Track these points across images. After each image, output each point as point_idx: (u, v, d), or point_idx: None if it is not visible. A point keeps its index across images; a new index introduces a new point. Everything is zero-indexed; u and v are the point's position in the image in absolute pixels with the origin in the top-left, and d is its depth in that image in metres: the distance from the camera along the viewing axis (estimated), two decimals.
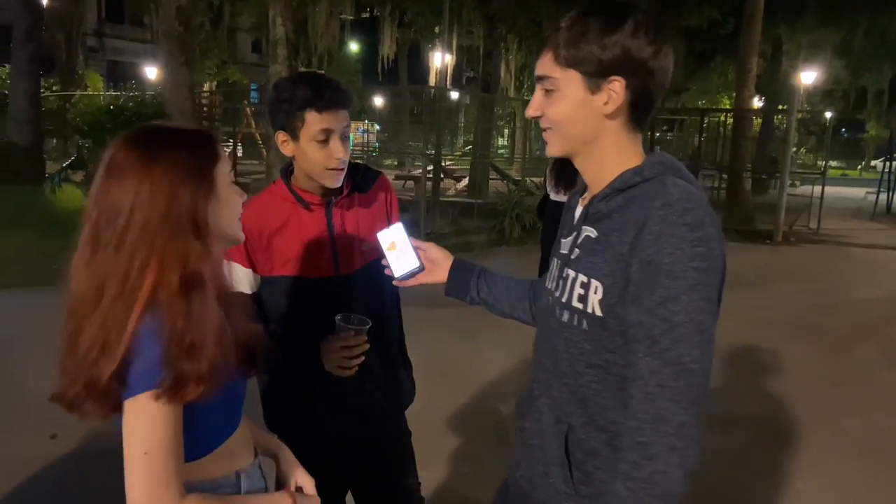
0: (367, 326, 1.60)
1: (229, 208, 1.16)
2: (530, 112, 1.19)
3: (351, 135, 1.73)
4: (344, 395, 1.75)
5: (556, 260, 1.28)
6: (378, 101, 25.60)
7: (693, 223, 1.02)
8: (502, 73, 21.34)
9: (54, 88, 18.45)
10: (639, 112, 1.15)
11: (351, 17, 24.70)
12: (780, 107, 18.70)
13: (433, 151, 10.62)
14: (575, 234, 1.21)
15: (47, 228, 7.68)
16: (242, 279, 1.64)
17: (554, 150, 1.20)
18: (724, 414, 4.13)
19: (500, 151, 24.47)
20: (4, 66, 17.69)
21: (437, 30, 20.77)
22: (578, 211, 1.25)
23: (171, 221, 1.06)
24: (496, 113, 18.78)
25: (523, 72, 25.14)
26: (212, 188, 1.11)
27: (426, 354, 4.20)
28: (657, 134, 19.18)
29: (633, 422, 1.05)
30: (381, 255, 1.51)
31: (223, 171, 1.15)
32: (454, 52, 23.71)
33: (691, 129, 17.25)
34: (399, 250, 1.50)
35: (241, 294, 1.61)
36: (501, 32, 16.93)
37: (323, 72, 24.70)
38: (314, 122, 1.59)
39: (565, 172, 6.36)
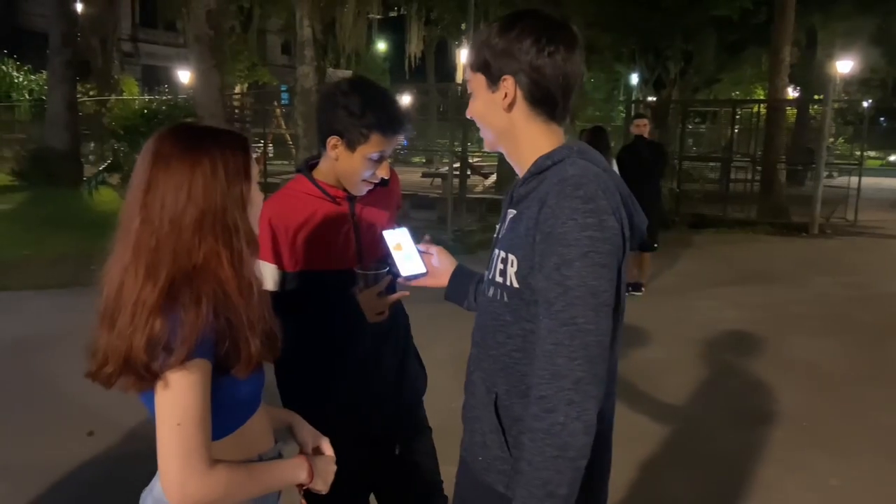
0: (386, 270, 1.68)
1: (255, 205, 1.23)
2: (468, 114, 1.35)
3: None
4: (363, 388, 1.79)
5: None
6: (405, 99, 25.69)
7: (586, 196, 1.12)
8: None
9: (91, 93, 18.88)
10: (542, 105, 1.27)
11: (378, 17, 24.80)
12: (815, 97, 18.27)
13: (460, 148, 10.62)
14: (503, 217, 1.34)
15: (85, 230, 7.89)
16: (267, 275, 1.69)
17: (486, 145, 1.37)
18: (756, 408, 4.09)
19: None
20: (42, 73, 18.15)
21: (463, 26, 20.75)
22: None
23: (226, 214, 1.14)
24: None
25: None
26: (251, 185, 1.19)
27: (453, 351, 4.24)
28: (689, 126, 18.89)
29: (535, 378, 1.13)
30: (387, 253, 1.58)
31: (256, 170, 1.22)
32: None
33: (724, 120, 16.96)
34: (405, 252, 1.57)
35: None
36: None
37: (351, 71, 24.88)
38: (378, 143, 1.68)
39: None
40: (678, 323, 5.89)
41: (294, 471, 1.29)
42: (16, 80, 20.18)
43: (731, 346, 5.26)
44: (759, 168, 13.06)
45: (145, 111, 14.77)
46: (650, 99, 20.02)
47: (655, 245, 6.84)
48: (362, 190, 1.76)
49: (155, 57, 30.19)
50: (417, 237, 1.60)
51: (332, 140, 1.69)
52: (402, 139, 1.73)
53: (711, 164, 15.93)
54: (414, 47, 25.70)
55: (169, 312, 1.08)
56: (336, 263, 1.74)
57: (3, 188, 13.86)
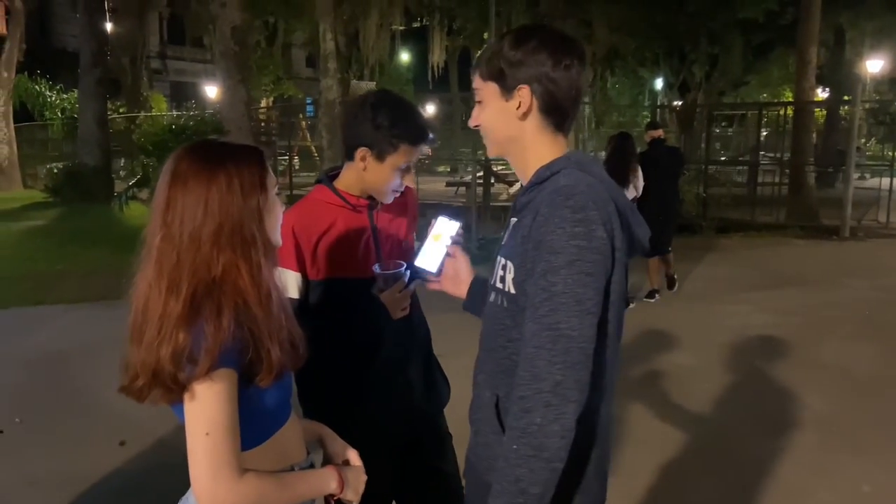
0: (403, 268, 1.74)
1: (274, 216, 1.26)
2: (472, 123, 1.38)
3: None
4: (388, 396, 1.81)
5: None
6: (429, 108, 25.78)
7: (575, 206, 1.15)
8: None
9: (121, 110, 19.28)
10: (553, 116, 1.31)
11: (401, 28, 24.97)
12: (844, 97, 17.98)
13: (484, 157, 10.65)
14: (507, 224, 1.37)
15: (117, 245, 8.05)
16: (291, 283, 1.72)
17: (490, 151, 1.41)
18: (786, 414, 4.02)
19: None
20: (74, 91, 18.59)
21: (485, 36, 20.81)
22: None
23: (242, 228, 1.17)
24: None
25: None
26: (268, 197, 1.22)
27: (472, 360, 4.22)
28: (716, 130, 18.70)
29: (517, 379, 1.16)
30: (424, 237, 1.63)
31: (271, 182, 1.25)
32: None
33: (751, 123, 16.76)
34: (437, 246, 1.59)
35: (290, 298, 1.69)
36: None
37: (374, 83, 25.06)
38: (406, 153, 1.74)
39: (616, 172, 6.30)
40: (707, 328, 5.82)
41: (325, 481, 1.30)
42: (49, 99, 20.68)
43: (761, 351, 5.18)
44: (787, 171, 12.87)
45: (173, 127, 15.00)
46: (676, 103, 19.88)
47: (669, 249, 6.80)
48: (390, 199, 1.82)
49: (183, 73, 30.75)
50: (460, 241, 1.62)
51: (361, 152, 1.74)
52: (427, 149, 1.79)
53: (739, 167, 15.75)
54: (437, 57, 25.79)
55: (192, 324, 1.11)
56: (358, 271, 1.77)
57: (38, 205, 14.22)
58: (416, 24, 25.74)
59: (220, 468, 1.11)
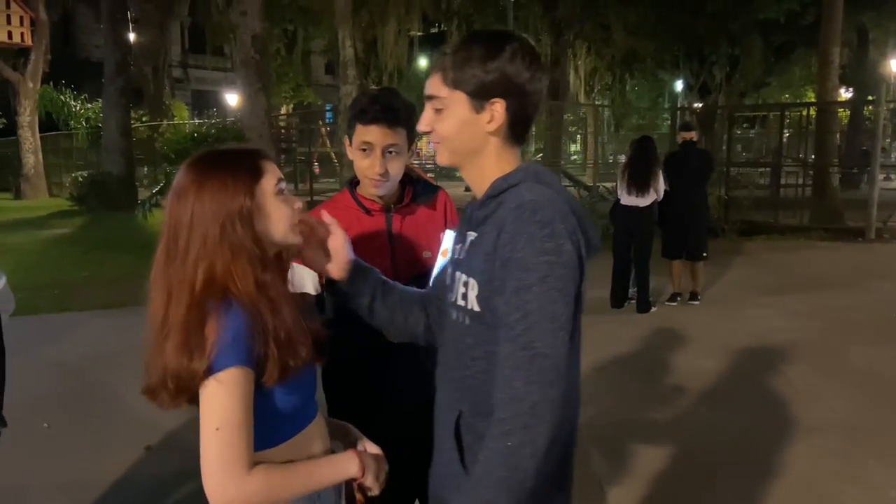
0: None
1: (275, 217, 1.26)
2: (421, 127, 1.31)
3: (419, 148, 1.84)
4: (407, 397, 1.82)
5: (449, 266, 1.38)
6: None
7: (542, 221, 1.14)
8: (571, 79, 21.18)
9: (144, 119, 19.56)
10: (517, 129, 1.28)
11: (419, 34, 25.07)
12: (868, 97, 17.72)
13: None
14: (462, 236, 1.34)
15: (140, 252, 8.16)
16: (308, 281, 1.74)
17: (442, 160, 1.32)
18: (811, 419, 3.97)
19: (573, 158, 24.24)
20: (98, 101, 18.90)
21: None
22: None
23: (225, 233, 1.20)
24: (566, 119, 18.64)
25: (593, 76, 24.85)
26: (254, 201, 1.24)
27: None
28: (737, 132, 18.51)
29: (496, 400, 1.14)
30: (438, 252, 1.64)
31: (267, 184, 1.26)
32: None
33: (773, 124, 16.58)
34: (447, 260, 1.58)
35: (307, 294, 1.72)
36: (569, 38, 16.83)
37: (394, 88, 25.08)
38: (359, 133, 1.76)
39: (638, 176, 6.28)
40: (730, 332, 5.77)
41: (344, 464, 1.31)
42: (73, 109, 21.04)
43: (785, 355, 5.12)
44: (810, 172, 12.73)
45: (195, 135, 15.20)
46: (696, 105, 19.72)
47: (705, 254, 6.73)
48: (375, 188, 1.80)
49: (204, 82, 31.11)
50: None
51: (346, 141, 1.82)
52: (387, 131, 1.74)
53: (761, 169, 15.58)
54: None
55: (196, 329, 1.16)
56: None
57: (63, 213, 14.47)
58: (433, 30, 25.83)
59: (229, 464, 1.13)
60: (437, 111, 1.27)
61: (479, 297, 1.22)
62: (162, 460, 3.51)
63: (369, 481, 1.33)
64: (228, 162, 1.26)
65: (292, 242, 1.31)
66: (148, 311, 1.23)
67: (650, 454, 3.57)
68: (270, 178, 1.27)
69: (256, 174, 1.25)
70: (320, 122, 19.70)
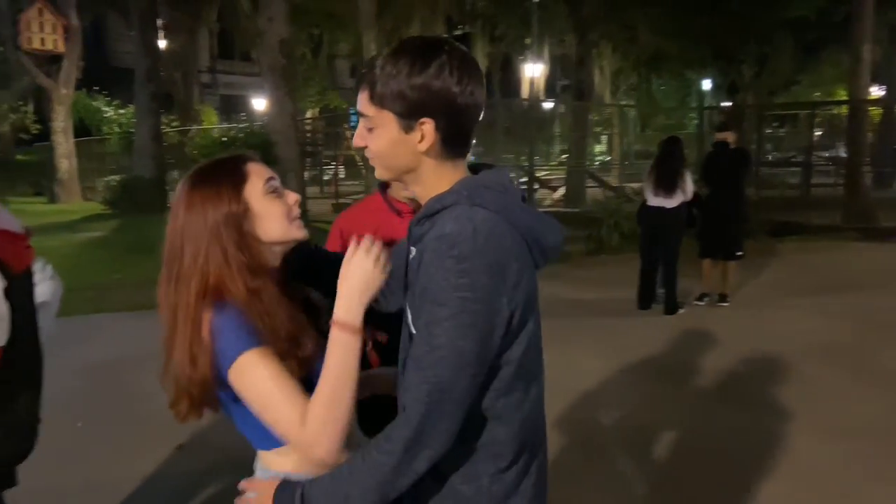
0: None
1: (269, 217, 1.29)
2: (356, 143, 1.26)
3: None
4: None
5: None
6: None
7: (459, 256, 1.10)
8: (597, 79, 21.04)
9: (174, 124, 19.85)
10: (453, 145, 1.21)
11: (444, 36, 25.14)
12: None
13: (527, 163, 10.62)
14: (406, 251, 1.31)
15: None
16: None
17: (380, 175, 1.29)
18: (844, 422, 3.91)
19: (599, 158, 24.09)
20: (129, 107, 19.24)
21: (527, 41, 20.80)
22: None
23: (215, 243, 1.24)
24: (591, 120, 18.53)
25: (618, 76, 24.67)
26: (241, 206, 1.27)
27: None
28: (767, 131, 18.23)
29: (394, 422, 1.16)
30: None
31: (253, 187, 1.29)
32: (547, 62, 23.63)
33: (803, 123, 16.31)
34: None
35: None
36: (593, 39, 16.74)
37: None
38: None
39: (665, 177, 6.23)
40: (759, 334, 5.69)
41: (339, 334, 1.24)
42: (106, 115, 21.44)
43: (817, 358, 5.04)
44: (842, 171, 12.49)
45: (224, 139, 15.41)
46: (724, 104, 19.47)
47: (739, 253, 6.65)
48: (406, 191, 1.77)
49: (232, 86, 31.50)
50: None
51: None
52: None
53: (792, 168, 15.34)
54: (479, 64, 25.89)
55: (196, 339, 1.21)
56: None
57: (96, 216, 14.74)
58: (457, 32, 25.86)
59: (296, 426, 1.18)
60: (369, 129, 1.23)
61: (412, 321, 1.22)
62: (194, 459, 3.56)
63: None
64: (211, 174, 1.29)
65: (297, 237, 1.33)
66: (163, 330, 1.29)
67: (677, 457, 3.54)
68: (256, 180, 1.29)
69: (240, 179, 1.28)
70: (345, 125, 19.81)
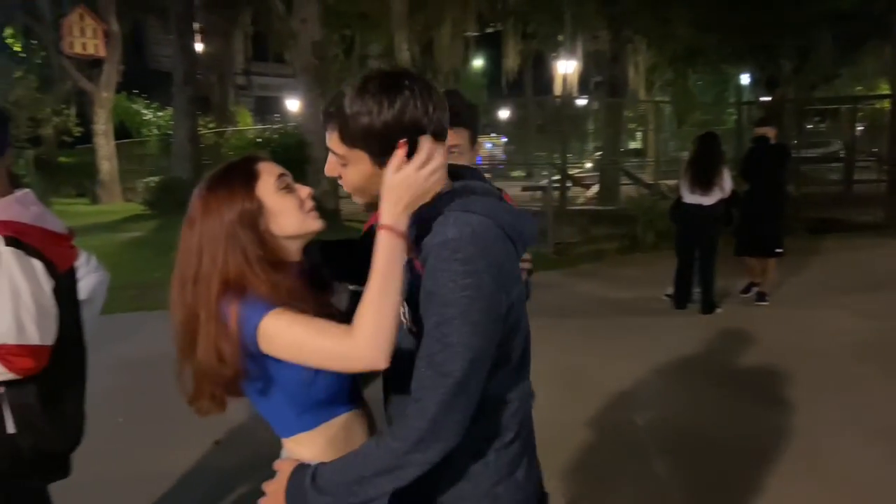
0: None
1: (283, 212, 1.31)
2: (328, 172, 1.31)
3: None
4: None
5: None
6: (503, 114, 25.72)
7: (464, 259, 1.17)
8: (631, 75, 20.80)
9: (210, 126, 20.19)
10: None
11: (475, 34, 25.08)
12: None
13: (560, 161, 10.54)
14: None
15: None
16: None
17: (359, 202, 1.34)
18: (886, 422, 3.81)
19: (635, 160, 23.80)
20: (167, 109, 19.63)
21: (560, 38, 20.65)
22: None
23: (232, 243, 1.26)
24: (626, 116, 18.32)
25: (653, 72, 24.34)
26: (254, 204, 1.29)
27: (554, 365, 4.21)
28: (808, 126, 17.80)
29: (408, 409, 1.21)
30: None
31: (265, 185, 1.31)
32: (580, 59, 23.43)
33: (845, 118, 15.90)
34: None
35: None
36: (628, 34, 16.54)
37: (456, 90, 25.11)
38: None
39: (702, 173, 6.13)
40: (802, 334, 5.58)
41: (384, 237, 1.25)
42: (145, 117, 21.91)
43: (860, 358, 4.92)
44: (885, 167, 12.15)
45: (259, 140, 15.63)
46: (763, 99, 19.06)
47: (778, 250, 6.53)
48: (439, 187, 1.85)
49: (267, 88, 31.95)
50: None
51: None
52: (454, 132, 1.77)
53: (833, 164, 14.97)
54: (511, 62, 25.76)
55: (222, 331, 1.24)
56: None
57: (137, 217, 15.07)
58: (489, 30, 25.80)
59: (341, 342, 1.20)
60: (343, 165, 1.28)
61: (412, 317, 1.29)
62: (231, 453, 3.63)
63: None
64: (223, 177, 1.32)
65: (313, 229, 1.35)
66: (174, 332, 1.32)
67: (714, 459, 3.49)
68: (267, 178, 1.32)
69: (251, 178, 1.30)
70: None
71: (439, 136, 1.24)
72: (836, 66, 19.57)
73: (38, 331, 1.65)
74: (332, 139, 1.26)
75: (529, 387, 1.42)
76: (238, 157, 1.40)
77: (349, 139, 1.23)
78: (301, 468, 1.26)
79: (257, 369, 1.26)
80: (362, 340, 1.18)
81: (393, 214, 1.20)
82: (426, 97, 1.21)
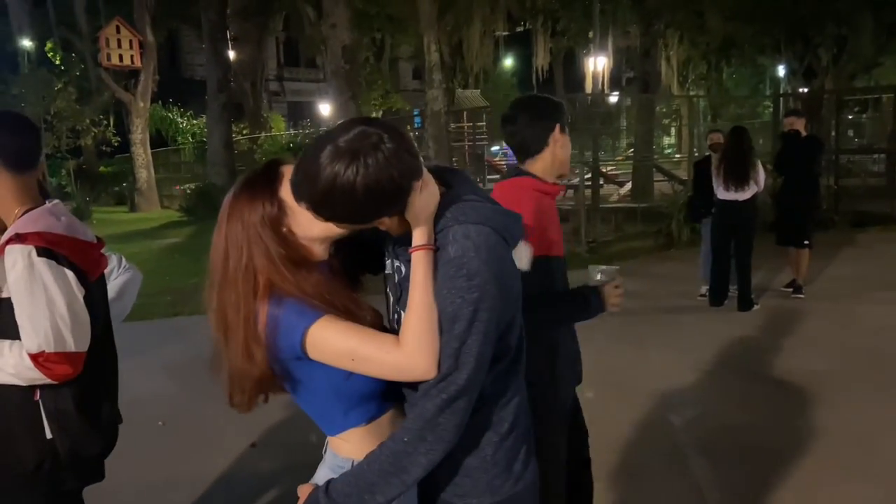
0: (616, 268, 2.11)
1: (304, 212, 1.28)
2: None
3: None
4: (571, 360, 2.18)
5: (395, 301, 1.42)
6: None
7: (469, 274, 1.23)
8: (663, 70, 20.51)
9: (244, 132, 20.53)
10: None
11: (505, 33, 25.00)
12: None
13: (591, 158, 10.45)
14: (397, 268, 1.38)
15: None
16: (524, 256, 1.90)
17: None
18: None
19: (668, 151, 23.46)
20: (202, 117, 19.98)
21: (590, 35, 20.46)
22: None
23: (256, 245, 1.29)
24: (658, 112, 18.07)
25: (686, 66, 23.96)
26: (276, 206, 1.30)
27: (593, 364, 4.14)
28: (849, 116, 17.33)
29: (409, 412, 1.32)
30: None
31: (287, 187, 1.30)
32: (611, 55, 23.20)
33: (887, 108, 15.44)
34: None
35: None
36: (659, 28, 16.32)
37: (479, 90, 25.10)
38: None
39: (735, 169, 6.02)
40: (842, 330, 5.44)
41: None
42: (180, 126, 22.36)
43: None
44: None
45: (291, 145, 15.82)
46: (801, 90, 18.64)
47: (806, 242, 6.41)
48: (565, 175, 2.20)
49: (299, 93, 32.30)
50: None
51: (555, 133, 2.07)
52: None
53: (874, 156, 14.55)
54: (541, 60, 25.60)
55: (253, 334, 1.27)
56: (558, 250, 2.09)
57: (174, 223, 15.39)
58: (519, 29, 25.68)
59: (390, 352, 1.23)
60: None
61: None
62: (267, 456, 3.67)
63: None
64: (248, 182, 1.35)
65: (336, 232, 1.32)
66: (212, 332, 1.35)
67: (753, 460, 3.41)
68: (285, 180, 1.32)
69: (274, 181, 1.32)
70: (409, 127, 20.01)
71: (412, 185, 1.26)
72: (877, 55, 19.03)
73: (73, 338, 1.70)
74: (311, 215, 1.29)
75: (523, 381, 1.46)
76: (267, 161, 1.42)
77: (330, 219, 1.25)
78: (316, 488, 1.33)
79: (302, 371, 1.30)
80: (416, 352, 1.22)
81: (424, 233, 1.27)
82: (396, 156, 1.18)
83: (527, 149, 2.11)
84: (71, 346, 1.69)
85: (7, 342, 1.72)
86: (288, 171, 1.31)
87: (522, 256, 1.72)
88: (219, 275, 1.32)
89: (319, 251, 1.35)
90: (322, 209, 1.20)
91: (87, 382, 1.83)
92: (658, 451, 3.56)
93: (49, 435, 1.79)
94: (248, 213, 1.30)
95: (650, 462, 3.45)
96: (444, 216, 1.29)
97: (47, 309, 1.65)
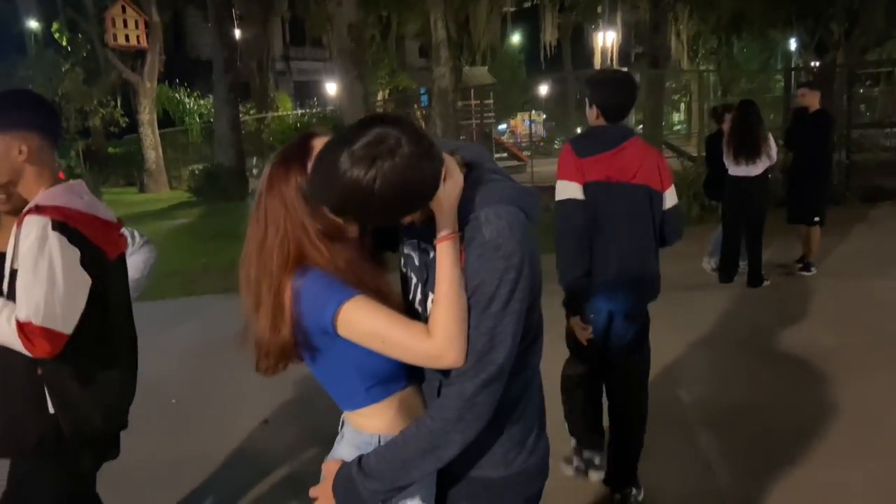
0: None
1: None
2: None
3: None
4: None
5: (417, 280, 1.42)
6: (543, 89, 25.37)
7: (505, 254, 1.24)
8: (673, 45, 20.28)
9: (251, 112, 20.45)
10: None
11: (512, 10, 24.72)
12: None
13: None
14: (423, 249, 1.39)
15: None
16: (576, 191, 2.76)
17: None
18: None
19: (677, 128, 23.29)
20: (209, 97, 19.92)
21: (598, 9, 20.22)
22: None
23: (290, 214, 1.31)
24: (668, 87, 17.90)
25: (697, 41, 23.66)
26: (306, 178, 1.31)
27: None
28: (860, 90, 17.10)
29: (445, 386, 1.31)
30: None
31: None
32: (619, 30, 22.92)
33: None
34: None
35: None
36: (669, 3, 16.10)
37: (486, 68, 24.88)
38: None
39: (746, 143, 5.96)
40: (851, 306, 5.41)
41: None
42: (187, 106, 22.30)
43: None
44: None
45: (298, 125, 15.77)
46: (812, 64, 18.38)
47: (817, 220, 6.35)
48: None
49: (305, 73, 32.12)
50: None
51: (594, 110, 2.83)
52: None
53: (887, 130, 14.37)
54: (549, 36, 25.36)
55: (278, 305, 1.30)
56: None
57: (183, 204, 15.42)
58: (526, 4, 25.41)
59: (421, 340, 1.26)
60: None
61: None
62: (279, 433, 3.71)
63: None
64: (282, 154, 1.36)
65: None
66: (243, 297, 1.39)
67: (763, 436, 3.42)
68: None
69: (305, 154, 1.32)
70: (416, 106, 19.91)
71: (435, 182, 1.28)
72: (890, 28, 18.72)
73: (62, 318, 1.68)
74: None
75: (539, 358, 1.48)
76: (286, 140, 1.43)
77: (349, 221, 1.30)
78: (346, 464, 1.34)
79: (326, 346, 1.32)
80: (445, 340, 1.24)
81: (448, 225, 1.28)
82: (410, 163, 1.17)
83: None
84: (58, 325, 1.67)
85: (3, 300, 1.72)
86: (319, 143, 1.32)
87: (573, 190, 2.72)
88: (257, 243, 1.34)
89: (351, 228, 1.37)
90: (342, 214, 1.22)
91: (95, 360, 1.85)
92: (667, 427, 3.58)
93: (51, 410, 1.80)
94: (284, 185, 1.32)
95: (659, 438, 3.46)
96: (473, 200, 1.29)
97: (46, 283, 1.65)
